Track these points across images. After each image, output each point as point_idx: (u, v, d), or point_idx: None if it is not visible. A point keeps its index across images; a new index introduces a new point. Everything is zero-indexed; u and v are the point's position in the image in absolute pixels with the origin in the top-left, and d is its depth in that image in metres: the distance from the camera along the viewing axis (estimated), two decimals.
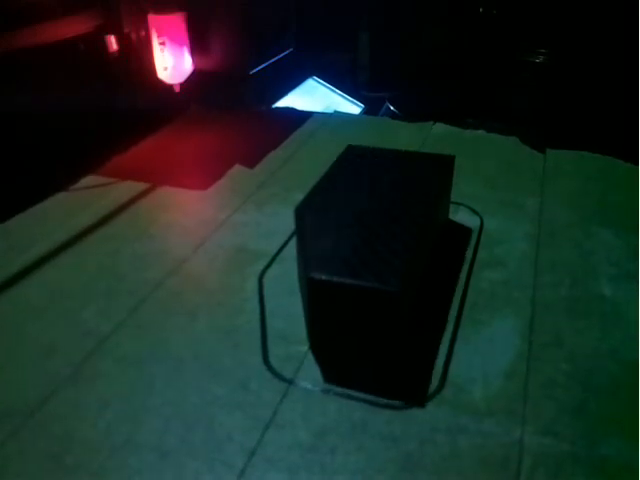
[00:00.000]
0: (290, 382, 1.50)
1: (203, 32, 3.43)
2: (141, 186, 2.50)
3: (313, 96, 4.39)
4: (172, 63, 3.19)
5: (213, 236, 2.17)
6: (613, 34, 4.03)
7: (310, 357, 1.59)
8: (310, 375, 1.54)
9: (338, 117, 3.36)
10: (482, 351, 1.60)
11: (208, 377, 1.53)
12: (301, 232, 1.73)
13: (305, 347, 1.62)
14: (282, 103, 4.11)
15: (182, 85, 3.29)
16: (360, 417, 1.41)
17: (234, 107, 3.43)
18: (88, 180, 2.58)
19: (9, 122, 2.60)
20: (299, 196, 2.38)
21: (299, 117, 3.32)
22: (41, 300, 1.84)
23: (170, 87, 3.27)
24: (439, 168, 2.08)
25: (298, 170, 2.67)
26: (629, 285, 1.86)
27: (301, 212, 1.81)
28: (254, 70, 3.65)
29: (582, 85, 4.14)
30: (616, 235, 2.11)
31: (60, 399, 1.49)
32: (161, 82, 3.25)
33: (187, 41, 3.28)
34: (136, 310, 1.78)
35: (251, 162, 2.74)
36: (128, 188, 2.49)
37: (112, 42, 3.21)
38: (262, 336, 1.67)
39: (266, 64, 3.80)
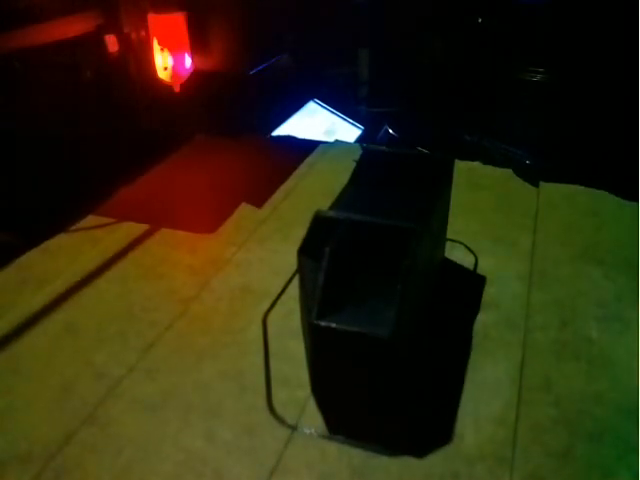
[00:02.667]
0: (293, 428, 1.60)
1: (203, 32, 3.47)
2: (146, 223, 2.60)
3: (314, 119, 4.49)
4: (172, 63, 3.24)
5: (218, 275, 2.27)
6: (612, 55, 4.11)
7: (312, 401, 1.69)
8: (312, 419, 1.63)
9: (338, 146, 3.45)
10: (475, 397, 1.69)
11: (216, 422, 1.63)
12: (303, 276, 1.82)
13: (307, 391, 1.72)
14: (284, 126, 4.21)
15: (182, 85, 3.34)
16: (359, 463, 1.51)
17: (237, 135, 3.52)
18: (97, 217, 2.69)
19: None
20: (300, 232, 2.47)
21: (300, 146, 3.42)
22: (56, 341, 1.94)
23: (170, 88, 3.32)
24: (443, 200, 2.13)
25: (298, 204, 2.76)
26: (615, 327, 1.95)
27: (302, 255, 1.90)
28: (254, 70, 3.72)
29: (581, 106, 4.22)
30: (605, 275, 2.20)
31: (77, 443, 1.58)
32: (161, 82, 3.30)
33: (187, 41, 3.33)
34: (146, 353, 1.87)
35: (253, 195, 2.83)
36: (134, 225, 2.58)
37: (112, 42, 3.22)
38: (266, 380, 1.76)
39: (265, 65, 3.87)
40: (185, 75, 3.35)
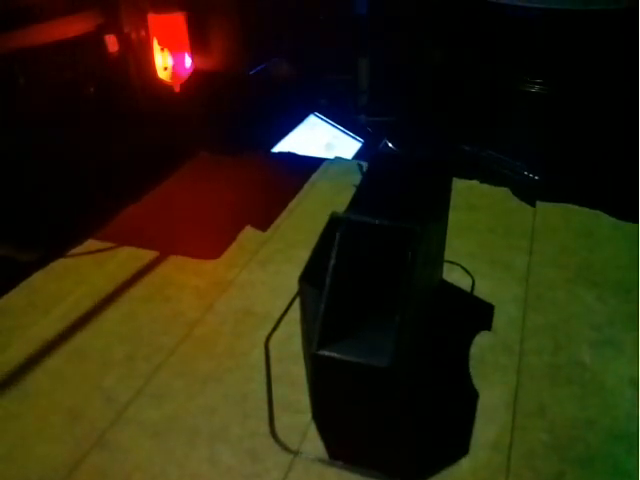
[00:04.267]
0: (295, 454, 1.66)
1: (203, 32, 3.50)
2: (151, 245, 2.66)
3: (315, 133, 4.56)
4: (172, 63, 3.28)
5: (222, 297, 2.32)
6: (612, 67, 4.16)
7: (313, 426, 1.75)
8: (313, 444, 1.69)
9: (338, 163, 3.51)
10: (471, 422, 1.75)
11: (221, 447, 1.69)
12: (304, 303, 1.88)
13: (309, 416, 1.78)
14: (285, 141, 4.27)
15: (182, 85, 3.38)
16: None
17: (240, 153, 3.59)
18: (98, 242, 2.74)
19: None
20: (301, 253, 2.53)
21: (300, 164, 3.49)
22: (65, 365, 2.00)
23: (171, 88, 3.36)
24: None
25: (300, 224, 2.82)
26: (608, 352, 2.01)
27: (304, 282, 1.95)
28: (254, 70, 3.76)
29: (579, 118, 4.26)
30: (598, 298, 2.26)
31: (87, 468, 1.65)
32: (161, 82, 3.33)
33: (187, 41, 3.36)
34: (152, 377, 1.93)
35: (255, 215, 2.89)
36: (139, 248, 2.63)
37: (112, 42, 3.25)
38: (269, 404, 1.82)
39: (264, 65, 3.91)
40: (185, 75, 3.38)
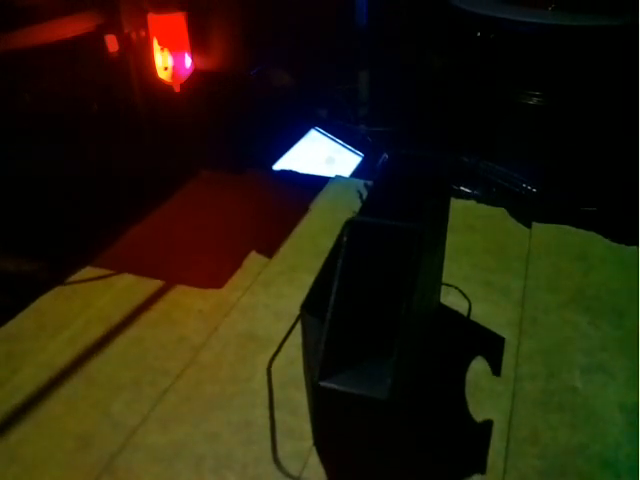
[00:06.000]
0: None
1: (203, 32, 3.54)
2: (156, 267, 2.72)
3: (315, 148, 4.63)
4: (172, 63, 3.32)
5: (225, 321, 2.39)
6: (611, 86, 4.22)
7: (314, 452, 1.82)
8: (315, 471, 1.76)
9: (338, 182, 3.57)
10: (468, 449, 1.82)
11: (226, 474, 1.75)
12: (305, 332, 1.95)
13: (310, 442, 1.84)
14: (287, 156, 4.35)
15: (182, 86, 3.42)
16: None
17: (241, 170, 3.65)
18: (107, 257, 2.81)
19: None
20: (302, 275, 2.63)
21: (301, 183, 3.55)
22: (74, 389, 2.07)
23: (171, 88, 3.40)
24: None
25: (301, 245, 2.89)
26: (599, 378, 2.07)
27: (305, 312, 2.02)
28: (254, 71, 3.81)
29: (578, 130, 4.33)
30: (591, 323, 2.33)
31: None
32: (161, 82, 3.37)
33: (187, 41, 3.40)
34: (159, 403, 2.00)
35: (256, 236, 2.96)
36: (143, 270, 2.70)
37: (112, 42, 3.28)
38: (271, 431, 1.89)
39: (266, 66, 3.97)
40: (185, 75, 3.43)
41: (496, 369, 2.11)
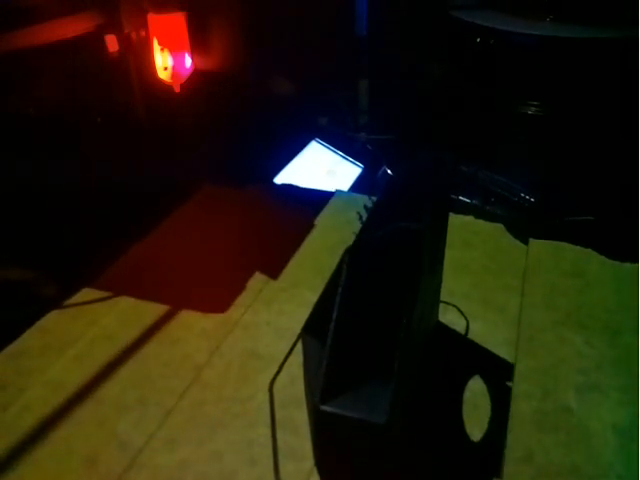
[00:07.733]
0: None
1: (203, 32, 3.57)
2: (159, 284, 2.77)
3: (316, 160, 4.69)
4: (172, 63, 3.35)
5: (228, 339, 2.44)
6: (610, 96, 4.27)
7: (315, 473, 1.87)
8: None
9: (339, 197, 3.62)
10: (465, 471, 1.87)
11: None
12: (306, 354, 2.00)
13: (311, 462, 1.89)
14: (287, 169, 4.41)
15: (182, 86, 3.45)
16: None
17: (243, 184, 3.70)
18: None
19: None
20: (304, 292, 2.67)
21: (303, 198, 3.60)
22: (81, 409, 2.12)
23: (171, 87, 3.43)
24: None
25: (302, 261, 2.94)
26: (594, 397, 2.12)
27: (306, 334, 2.07)
28: (254, 71, 3.86)
29: (576, 141, 4.39)
30: (586, 341, 2.38)
31: None
32: (161, 82, 3.40)
33: (187, 41, 3.42)
34: (164, 422, 2.05)
35: (257, 253, 3.01)
36: (147, 288, 2.75)
37: (112, 42, 3.28)
38: (274, 452, 1.94)
39: (266, 66, 4.03)
40: (185, 75, 3.45)
41: (495, 390, 2.17)
